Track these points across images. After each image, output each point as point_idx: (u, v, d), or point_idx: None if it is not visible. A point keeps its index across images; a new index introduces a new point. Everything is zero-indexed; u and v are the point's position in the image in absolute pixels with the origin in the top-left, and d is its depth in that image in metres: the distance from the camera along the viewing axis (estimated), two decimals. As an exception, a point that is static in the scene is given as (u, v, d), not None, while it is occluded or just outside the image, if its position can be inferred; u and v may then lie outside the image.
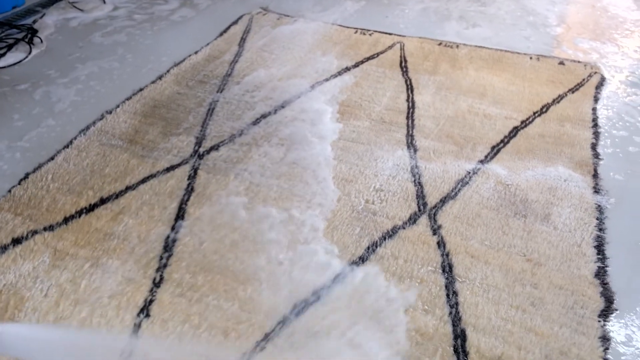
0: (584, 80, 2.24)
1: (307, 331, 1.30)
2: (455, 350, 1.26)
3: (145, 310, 1.34)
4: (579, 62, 2.38)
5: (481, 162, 1.81)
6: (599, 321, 1.32)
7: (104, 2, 3.02)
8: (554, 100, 2.11)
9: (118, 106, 2.11)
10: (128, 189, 1.72)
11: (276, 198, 1.67)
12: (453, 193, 1.69)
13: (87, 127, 1.99)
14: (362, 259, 1.47)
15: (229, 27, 2.70)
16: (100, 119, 2.03)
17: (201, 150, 1.89)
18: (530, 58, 2.40)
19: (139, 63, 2.44)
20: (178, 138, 1.95)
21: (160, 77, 2.31)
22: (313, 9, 2.91)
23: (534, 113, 2.04)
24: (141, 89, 2.22)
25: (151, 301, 1.36)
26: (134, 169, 1.80)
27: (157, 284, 1.41)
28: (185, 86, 2.25)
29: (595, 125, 1.99)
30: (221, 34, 2.64)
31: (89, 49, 2.55)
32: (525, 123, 1.99)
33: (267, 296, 1.38)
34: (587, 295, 1.38)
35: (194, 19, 2.83)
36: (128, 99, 2.16)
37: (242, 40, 2.58)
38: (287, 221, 1.59)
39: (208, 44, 2.55)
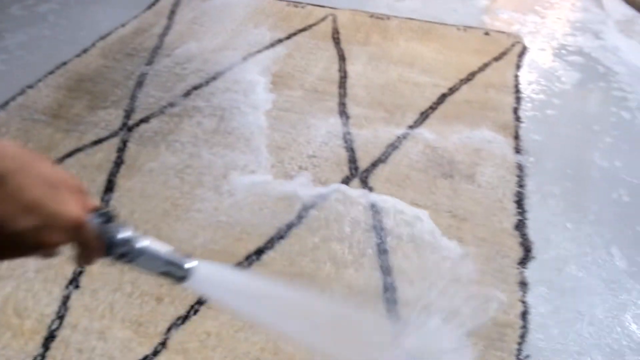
0: (507, 49, 2.34)
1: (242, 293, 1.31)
2: (386, 301, 1.31)
3: (74, 281, 1.31)
4: (503, 32, 2.47)
5: (410, 127, 1.86)
6: (518, 268, 1.41)
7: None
8: (479, 69, 2.19)
9: (40, 80, 2.02)
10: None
11: (209, 167, 1.66)
12: (384, 157, 1.73)
13: (7, 102, 1.90)
14: (295, 223, 1.50)
15: (157, 0, 2.63)
16: (21, 94, 1.94)
17: (130, 122, 1.85)
18: (458, 29, 2.47)
19: (62, 36, 2.34)
20: (106, 111, 1.89)
21: (85, 51, 2.22)
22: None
23: (461, 80, 2.11)
24: (65, 63, 2.14)
25: (80, 272, 1.33)
26: (58, 144, 1.74)
27: (86, 255, 1.38)
28: (112, 59, 2.18)
29: (517, 90, 2.08)
30: (150, 7, 2.57)
31: (7, 22, 2.42)
32: (452, 90, 2.06)
33: (201, 261, 1.37)
34: (508, 245, 1.47)
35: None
36: (51, 73, 2.07)
37: (172, 13, 2.52)
38: (219, 189, 1.59)
39: (136, 17, 2.47)
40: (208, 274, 0.73)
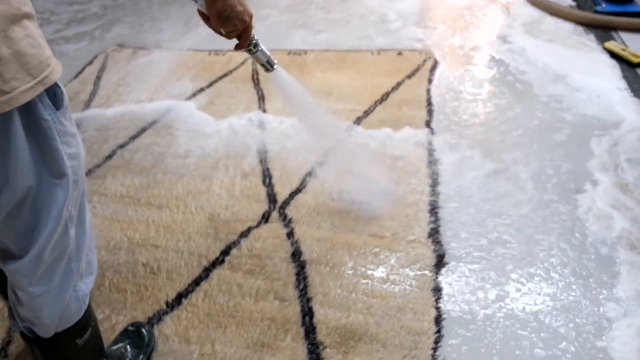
0: (419, 65, 2.44)
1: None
2: (305, 328, 1.35)
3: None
4: (415, 50, 2.59)
5: (326, 154, 1.93)
6: (431, 275, 1.46)
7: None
8: (392, 88, 2.29)
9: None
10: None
11: (129, 221, 1.70)
12: (302, 186, 1.80)
13: None
14: (217, 262, 1.54)
15: (83, 68, 2.70)
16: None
17: (56, 191, 1.89)
18: (372, 53, 2.58)
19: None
20: (32, 183, 1.93)
21: (13, 128, 2.27)
22: (169, 38, 2.97)
23: (375, 102, 2.20)
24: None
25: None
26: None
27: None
28: (39, 132, 2.23)
29: (429, 104, 2.17)
30: (76, 76, 2.64)
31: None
32: (367, 112, 2.14)
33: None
34: (421, 254, 1.52)
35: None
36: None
37: (98, 78, 2.59)
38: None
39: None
40: (282, 74, 1.46)
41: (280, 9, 3.16)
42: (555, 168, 1.81)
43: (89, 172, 1.95)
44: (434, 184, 1.77)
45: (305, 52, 2.64)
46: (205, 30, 3.02)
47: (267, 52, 1.32)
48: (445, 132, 2.01)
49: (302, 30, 2.88)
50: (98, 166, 1.98)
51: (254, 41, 1.24)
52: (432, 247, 1.54)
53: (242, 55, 2.66)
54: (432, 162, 1.86)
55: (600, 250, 1.51)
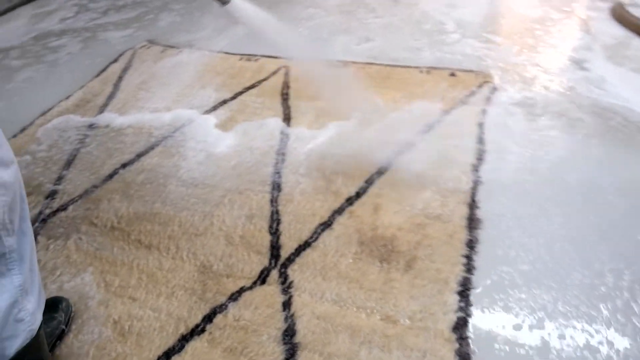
0: (473, 92, 2.09)
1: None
2: None
3: None
4: (471, 71, 2.23)
5: (349, 200, 1.64)
6: (450, 389, 1.16)
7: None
8: (438, 119, 1.95)
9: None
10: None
11: (113, 262, 1.49)
12: (312, 239, 1.52)
13: None
14: (197, 330, 1.31)
15: (108, 66, 2.52)
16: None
17: (47, 211, 1.71)
18: (420, 71, 2.24)
19: (5, 114, 2.26)
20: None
21: (23, 130, 2.12)
22: (204, 35, 2.74)
23: (416, 134, 1.88)
24: (-3, 146, 2.04)
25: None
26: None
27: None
28: (47, 137, 2.06)
29: (481, 141, 1.83)
30: (98, 74, 2.46)
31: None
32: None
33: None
34: (440, 355, 1.22)
35: (74, 59, 2.64)
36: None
37: (119, 79, 2.40)
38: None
39: (82, 87, 2.37)
40: (240, 5, 1.48)
41: (327, 9, 2.86)
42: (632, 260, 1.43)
43: (85, 193, 1.77)
44: (470, 255, 1.45)
45: (346, 64, 2.34)
46: (242, 29, 2.79)
47: None
48: (497, 180, 1.67)
49: (346, 36, 2.57)
50: (96, 187, 1.79)
51: None
52: (457, 345, 1.24)
53: (275, 63, 2.39)
54: (472, 223, 1.54)
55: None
